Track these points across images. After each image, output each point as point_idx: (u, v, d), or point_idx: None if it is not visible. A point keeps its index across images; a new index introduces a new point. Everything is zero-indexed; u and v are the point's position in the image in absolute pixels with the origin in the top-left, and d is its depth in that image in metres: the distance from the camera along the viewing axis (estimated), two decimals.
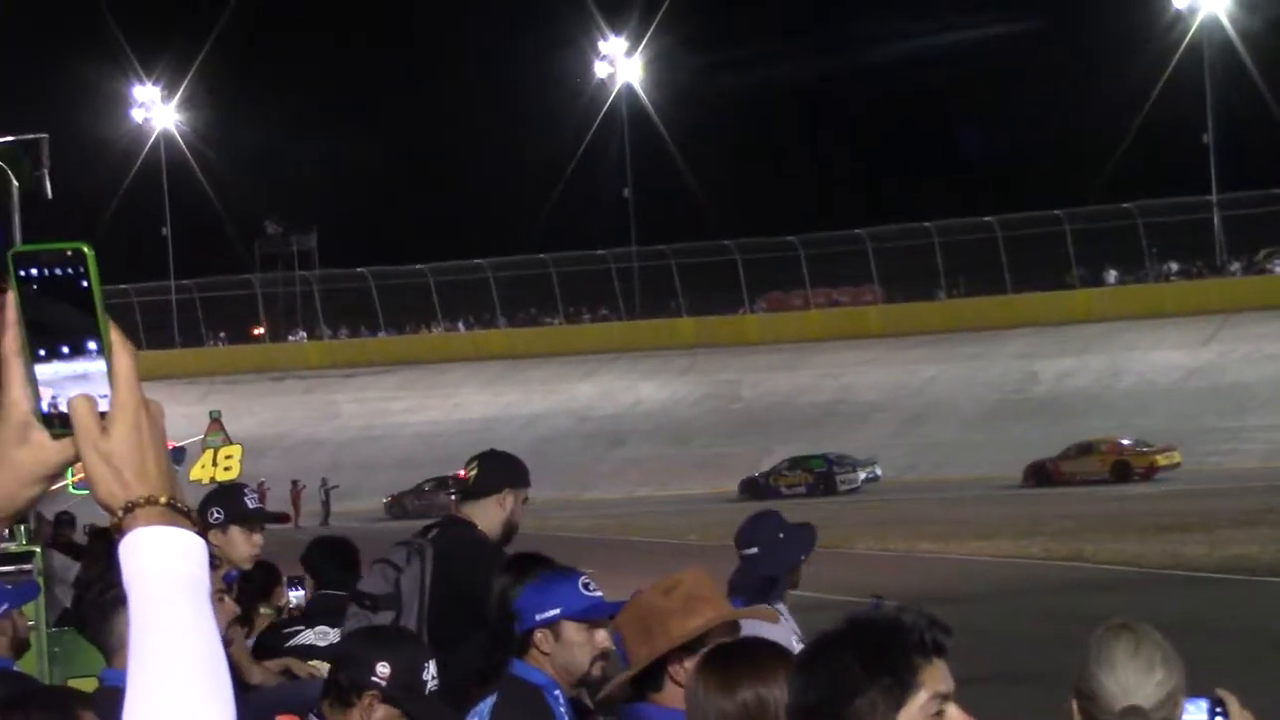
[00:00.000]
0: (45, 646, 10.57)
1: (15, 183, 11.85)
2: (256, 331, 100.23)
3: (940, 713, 3.16)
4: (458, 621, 6.87)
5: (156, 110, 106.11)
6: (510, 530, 7.66)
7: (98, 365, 1.99)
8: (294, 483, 70.87)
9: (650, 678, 4.77)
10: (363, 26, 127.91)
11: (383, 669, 5.08)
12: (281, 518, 8.91)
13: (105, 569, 8.17)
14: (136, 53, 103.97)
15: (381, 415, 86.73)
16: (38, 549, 11.22)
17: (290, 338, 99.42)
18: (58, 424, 2.00)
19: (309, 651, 8.23)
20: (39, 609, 10.61)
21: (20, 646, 7.46)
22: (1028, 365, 78.55)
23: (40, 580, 10.88)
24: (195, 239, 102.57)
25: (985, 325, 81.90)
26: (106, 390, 1.99)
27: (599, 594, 5.55)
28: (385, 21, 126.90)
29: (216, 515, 7.28)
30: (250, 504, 7.55)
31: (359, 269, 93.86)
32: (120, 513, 1.97)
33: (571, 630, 5.48)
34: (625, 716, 4.88)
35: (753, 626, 5.79)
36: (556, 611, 5.47)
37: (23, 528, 11.34)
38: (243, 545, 7.42)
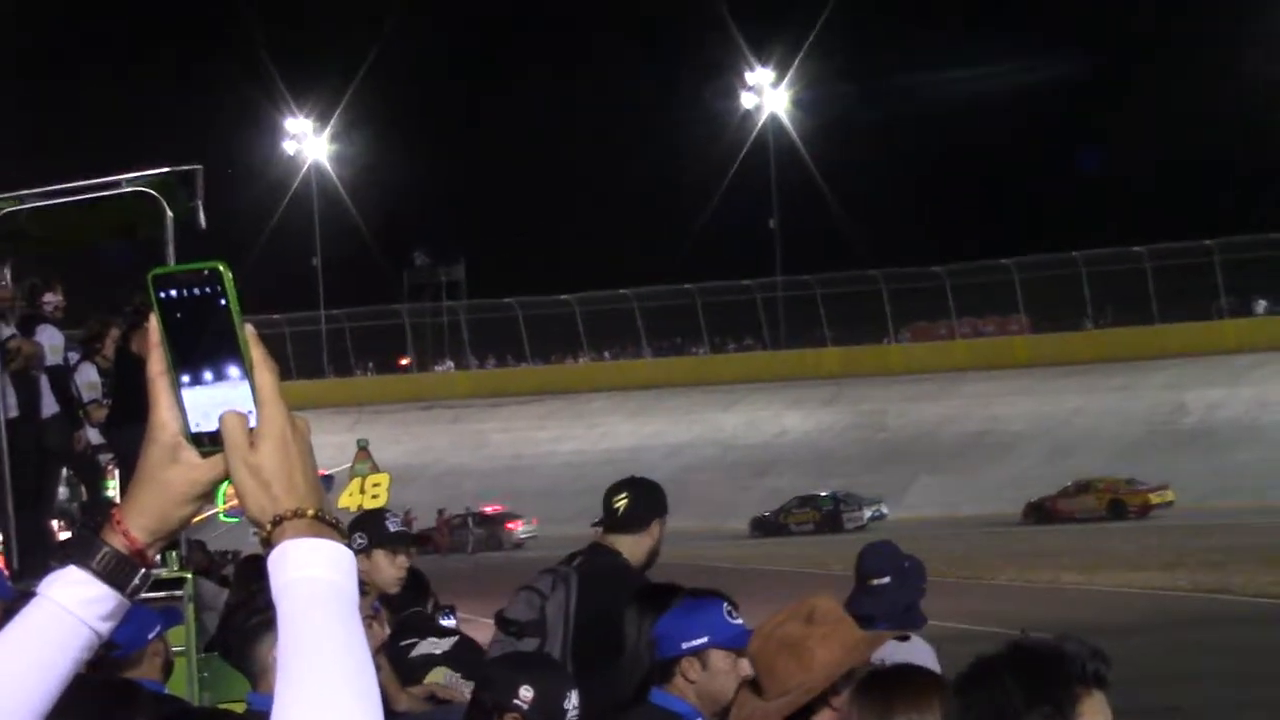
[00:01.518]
0: (195, 671, 10.70)
1: (170, 213, 11.98)
2: (404, 361, 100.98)
3: None
4: (602, 650, 6.84)
5: (308, 142, 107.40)
6: (654, 557, 7.64)
7: (241, 391, 2.00)
8: (440, 512, 71.29)
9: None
10: (511, 59, 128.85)
11: (526, 693, 5.08)
12: (424, 539, 8.99)
13: (251, 595, 8.25)
14: (288, 85, 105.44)
15: (528, 444, 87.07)
16: (189, 575, 11.35)
17: (437, 367, 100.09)
18: (207, 442, 2.01)
19: (431, 661, 8.28)
20: (189, 634, 10.73)
21: (168, 670, 7.54)
22: (1176, 396, 77.66)
23: (190, 606, 11.01)
24: (345, 270, 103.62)
25: (1133, 355, 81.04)
26: (252, 408, 2.00)
27: (741, 621, 5.50)
28: (533, 54, 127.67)
29: (360, 541, 7.30)
30: (392, 527, 7.59)
31: (506, 299, 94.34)
32: (269, 526, 1.98)
33: (719, 658, 5.39)
34: None
35: (906, 654, 5.74)
36: (705, 639, 5.38)
37: (174, 554, 11.47)
38: (388, 569, 7.45)
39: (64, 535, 14.51)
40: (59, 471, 14.75)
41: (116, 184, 12.36)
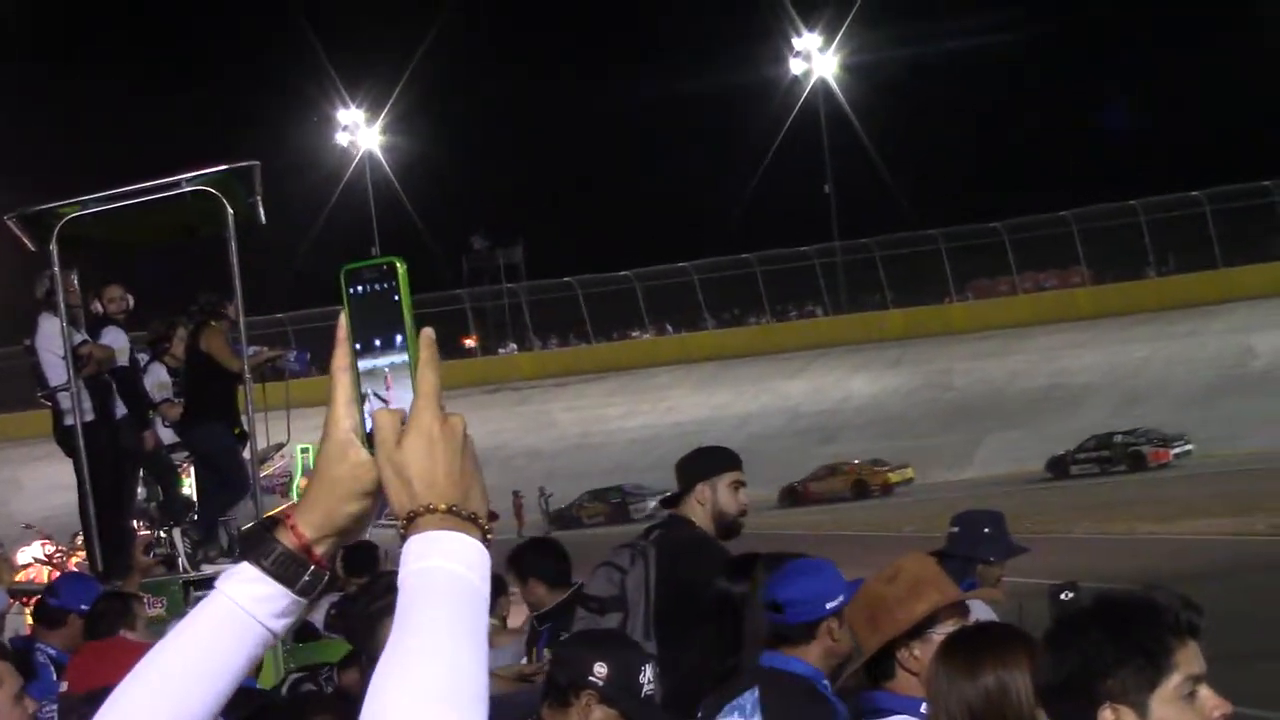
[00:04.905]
0: (281, 664, 10.79)
1: (230, 211, 12.04)
2: (468, 345, 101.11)
3: (1192, 694, 3.10)
4: (684, 621, 6.85)
5: (360, 133, 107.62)
6: (722, 520, 7.62)
7: (404, 388, 2.00)
8: (514, 493, 71.40)
9: (881, 665, 4.73)
10: (558, 38, 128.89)
11: (600, 669, 5.05)
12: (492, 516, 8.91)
13: (371, 580, 8.32)
14: (340, 76, 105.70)
15: (596, 422, 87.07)
16: None
17: (501, 350, 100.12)
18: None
19: None
20: None
21: (258, 666, 7.60)
22: (1244, 339, 77.15)
23: None
24: (403, 257, 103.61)
25: (1198, 301, 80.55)
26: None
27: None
28: (580, 33, 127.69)
29: None
30: None
31: (565, 278, 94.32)
32: (404, 523, 1.96)
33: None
34: (862, 704, 4.84)
35: (984, 612, 5.74)
36: (842, 599, 5.36)
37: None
38: None
39: (144, 534, 14.60)
40: (136, 471, 14.87)
41: (176, 184, 12.43)
